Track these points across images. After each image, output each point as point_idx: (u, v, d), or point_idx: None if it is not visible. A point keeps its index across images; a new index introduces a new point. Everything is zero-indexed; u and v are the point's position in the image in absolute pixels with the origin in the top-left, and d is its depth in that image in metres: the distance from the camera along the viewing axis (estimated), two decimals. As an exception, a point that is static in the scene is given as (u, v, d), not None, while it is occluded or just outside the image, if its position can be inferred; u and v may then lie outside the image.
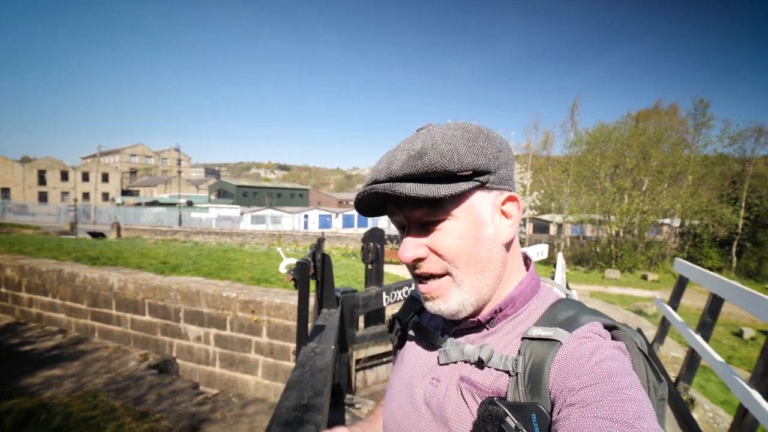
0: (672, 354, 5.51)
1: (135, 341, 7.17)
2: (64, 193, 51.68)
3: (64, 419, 4.76)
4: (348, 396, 3.94)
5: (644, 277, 19.07)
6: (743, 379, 2.92)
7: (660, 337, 5.51)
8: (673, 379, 4.45)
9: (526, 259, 0.71)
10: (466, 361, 0.63)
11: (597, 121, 33.33)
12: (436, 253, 0.60)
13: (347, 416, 3.46)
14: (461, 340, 0.66)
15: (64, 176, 52.49)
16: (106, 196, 55.43)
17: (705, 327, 4.01)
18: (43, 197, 49.84)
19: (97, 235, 17.84)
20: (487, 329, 0.64)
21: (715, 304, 3.97)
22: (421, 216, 0.60)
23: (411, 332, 0.76)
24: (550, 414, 0.50)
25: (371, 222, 41.65)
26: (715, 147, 24.51)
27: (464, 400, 0.60)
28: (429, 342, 0.71)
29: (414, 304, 0.80)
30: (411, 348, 0.75)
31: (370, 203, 0.63)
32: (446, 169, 0.55)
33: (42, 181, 50.72)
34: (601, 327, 0.56)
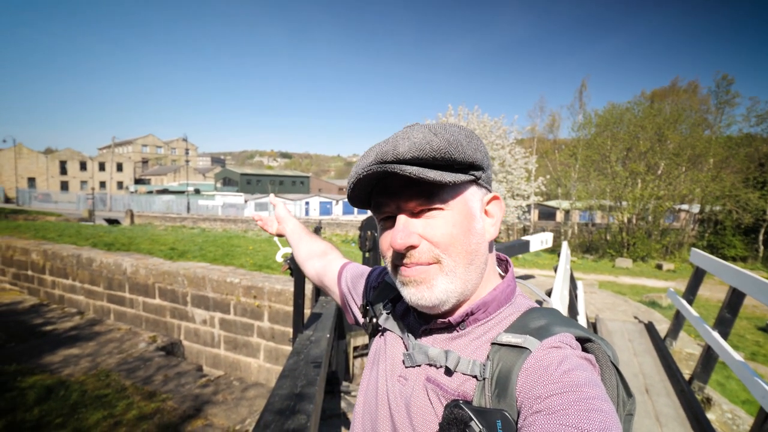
0: (686, 350, 5.22)
1: (146, 323, 7.50)
2: (83, 182, 53.19)
3: (80, 396, 5.07)
4: (345, 383, 3.93)
5: (659, 267, 18.20)
6: (765, 382, 2.76)
7: (673, 332, 5.28)
8: (687, 377, 4.27)
9: (507, 263, 0.71)
10: (431, 365, 0.62)
11: (608, 102, 32.04)
12: (429, 241, 0.59)
13: (343, 403, 3.50)
14: (428, 341, 0.66)
15: (83, 166, 53.95)
16: (120, 185, 56.85)
17: (723, 323, 3.74)
18: (64, 186, 51.40)
19: (112, 221, 18.40)
20: (457, 331, 0.63)
21: (735, 298, 3.67)
22: (415, 205, 0.59)
23: (383, 323, 0.76)
24: (516, 421, 0.49)
25: (370, 209, 41.67)
26: (740, 127, 23.12)
27: (430, 401, 0.60)
28: (398, 337, 0.71)
29: (389, 292, 0.79)
30: (382, 341, 0.75)
31: (361, 190, 0.62)
32: (452, 157, 0.56)
33: (63, 171, 52.23)
34: (572, 338, 0.56)
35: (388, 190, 0.61)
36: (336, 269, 1.02)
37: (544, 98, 76.30)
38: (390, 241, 0.61)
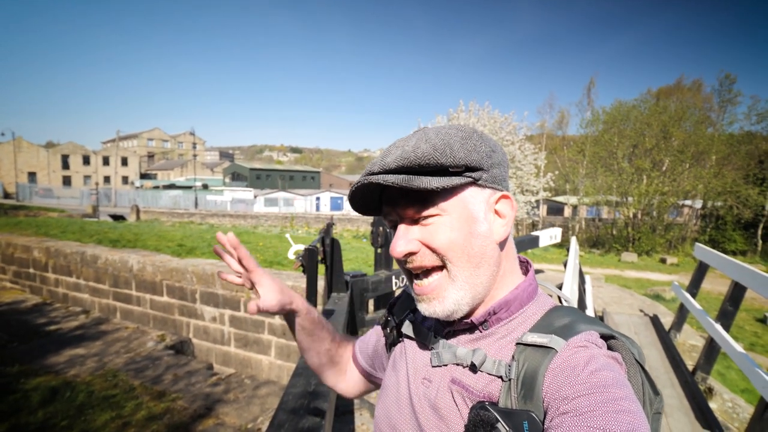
0: (690, 342, 5.35)
1: (154, 321, 7.41)
2: (87, 177, 53.06)
3: (86, 397, 4.98)
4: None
5: (663, 261, 18.54)
6: (765, 372, 2.80)
7: (677, 325, 5.36)
8: (690, 368, 4.34)
9: (527, 264, 0.71)
10: (458, 364, 0.62)
11: (615, 99, 32.34)
12: (428, 247, 0.60)
13: (356, 401, 3.49)
14: (453, 341, 0.65)
15: (86, 160, 53.83)
16: (125, 180, 56.71)
17: (726, 315, 3.84)
18: (66, 181, 51.30)
19: (117, 217, 18.33)
20: (480, 332, 0.63)
21: (737, 292, 3.77)
22: (413, 213, 0.60)
23: (405, 330, 0.76)
24: (542, 422, 0.49)
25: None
26: (741, 125, 23.48)
27: (455, 402, 0.60)
28: (422, 341, 0.71)
29: (409, 302, 0.79)
30: (405, 347, 0.75)
31: (364, 199, 0.64)
32: (438, 162, 0.55)
33: (65, 165, 52.12)
34: (597, 336, 0.56)
35: (389, 199, 0.62)
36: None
37: (553, 95, 76.72)
38: (390, 248, 0.62)
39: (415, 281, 0.63)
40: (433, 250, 0.59)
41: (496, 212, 0.62)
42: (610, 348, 0.56)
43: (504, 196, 0.63)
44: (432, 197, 0.58)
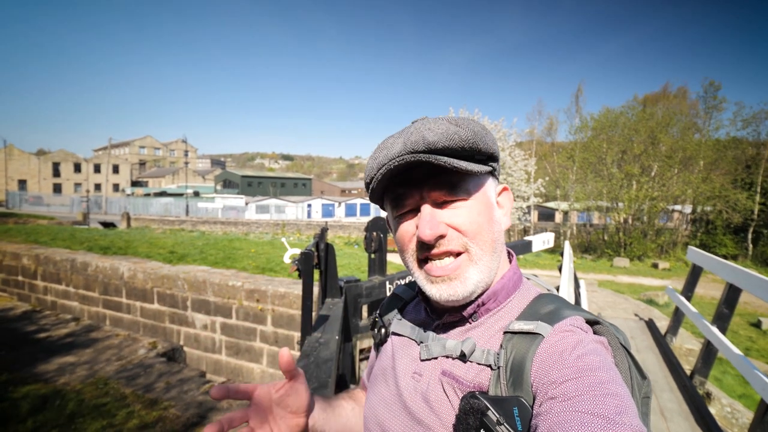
0: (686, 346, 5.33)
1: (144, 329, 7.33)
2: (77, 185, 52.56)
3: (77, 406, 4.90)
4: (352, 386, 3.94)
5: (655, 266, 18.79)
6: (764, 374, 2.78)
7: (673, 329, 5.36)
8: (687, 373, 4.32)
9: (510, 254, 0.71)
10: (447, 356, 0.62)
11: (603, 105, 32.95)
12: (457, 230, 0.59)
13: None
14: (443, 335, 0.66)
15: (77, 168, 53.34)
16: (116, 187, 56.22)
17: (721, 318, 3.82)
18: (57, 188, 50.77)
19: (108, 225, 18.12)
20: (470, 323, 0.64)
21: (731, 294, 3.76)
22: (439, 195, 0.59)
23: (393, 329, 0.76)
24: (532, 407, 0.49)
25: (374, 211, 41.48)
26: (727, 130, 24.26)
27: (446, 394, 0.60)
28: (410, 338, 0.71)
29: (396, 302, 0.80)
30: (393, 344, 0.75)
31: (382, 184, 0.61)
32: (478, 147, 0.57)
33: (56, 173, 51.61)
34: (582, 321, 0.56)
35: (411, 182, 0.60)
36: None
37: (542, 101, 79.00)
38: (418, 232, 0.59)
39: (434, 263, 0.61)
40: (463, 234, 0.59)
41: (497, 203, 0.66)
42: (595, 333, 0.57)
43: (505, 188, 0.67)
44: (462, 182, 0.59)
